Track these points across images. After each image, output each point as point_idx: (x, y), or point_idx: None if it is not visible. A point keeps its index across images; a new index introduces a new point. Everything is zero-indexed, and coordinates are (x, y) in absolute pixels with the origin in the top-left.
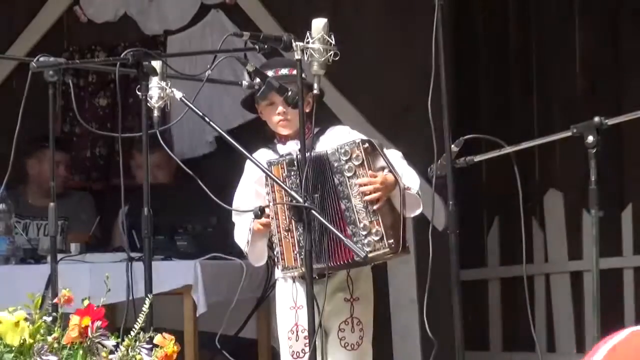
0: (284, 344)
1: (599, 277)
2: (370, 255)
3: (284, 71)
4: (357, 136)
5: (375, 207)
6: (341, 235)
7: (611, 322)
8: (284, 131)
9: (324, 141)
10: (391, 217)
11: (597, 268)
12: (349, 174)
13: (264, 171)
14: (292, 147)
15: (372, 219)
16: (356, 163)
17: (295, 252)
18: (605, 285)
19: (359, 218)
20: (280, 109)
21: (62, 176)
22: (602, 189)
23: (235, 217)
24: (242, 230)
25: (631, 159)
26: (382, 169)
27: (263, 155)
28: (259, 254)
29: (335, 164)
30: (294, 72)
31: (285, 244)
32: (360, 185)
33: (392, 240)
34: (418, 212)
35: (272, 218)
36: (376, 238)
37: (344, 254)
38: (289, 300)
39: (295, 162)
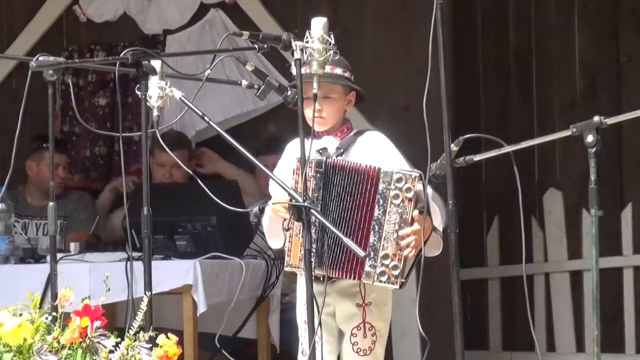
0: (300, 339)
1: (599, 277)
2: (378, 282)
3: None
4: (391, 147)
5: (405, 252)
6: (341, 235)
7: (611, 321)
8: (317, 128)
9: (360, 143)
10: (412, 257)
11: (597, 267)
12: (396, 202)
13: (264, 170)
14: (327, 142)
15: (397, 253)
16: (408, 195)
17: (302, 252)
18: (605, 284)
19: (383, 245)
20: (316, 105)
21: (59, 177)
22: (601, 188)
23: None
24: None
25: (631, 158)
26: (422, 207)
27: (298, 143)
28: (274, 234)
29: (382, 186)
30: (336, 70)
31: (295, 241)
32: (403, 221)
33: (404, 280)
34: (437, 253)
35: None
36: (394, 272)
37: (353, 267)
38: (303, 297)
39: (322, 164)
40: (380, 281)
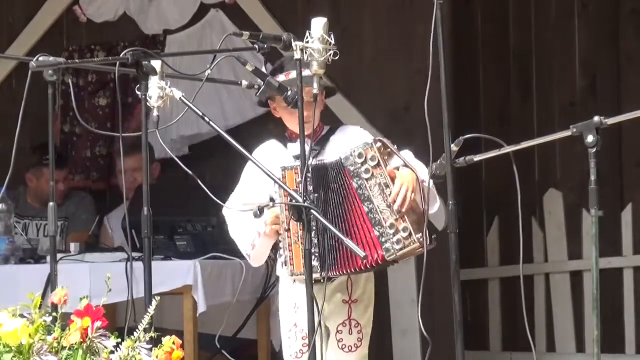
0: (284, 343)
1: (599, 277)
2: (400, 252)
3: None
4: (368, 137)
5: (404, 208)
6: (340, 235)
7: (611, 321)
8: (306, 131)
9: (334, 141)
10: (415, 212)
11: (597, 268)
12: (367, 176)
13: (263, 171)
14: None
15: (398, 217)
16: (372, 164)
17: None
18: (605, 284)
19: (383, 218)
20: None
21: (59, 191)
22: (601, 188)
23: (228, 212)
24: (245, 231)
25: (631, 158)
26: (397, 167)
27: (272, 147)
28: (261, 257)
29: (352, 168)
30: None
31: (295, 249)
32: (384, 186)
33: (419, 235)
34: (437, 206)
35: (282, 221)
36: (404, 234)
37: (372, 254)
38: (290, 300)
39: (309, 168)
40: (400, 249)
